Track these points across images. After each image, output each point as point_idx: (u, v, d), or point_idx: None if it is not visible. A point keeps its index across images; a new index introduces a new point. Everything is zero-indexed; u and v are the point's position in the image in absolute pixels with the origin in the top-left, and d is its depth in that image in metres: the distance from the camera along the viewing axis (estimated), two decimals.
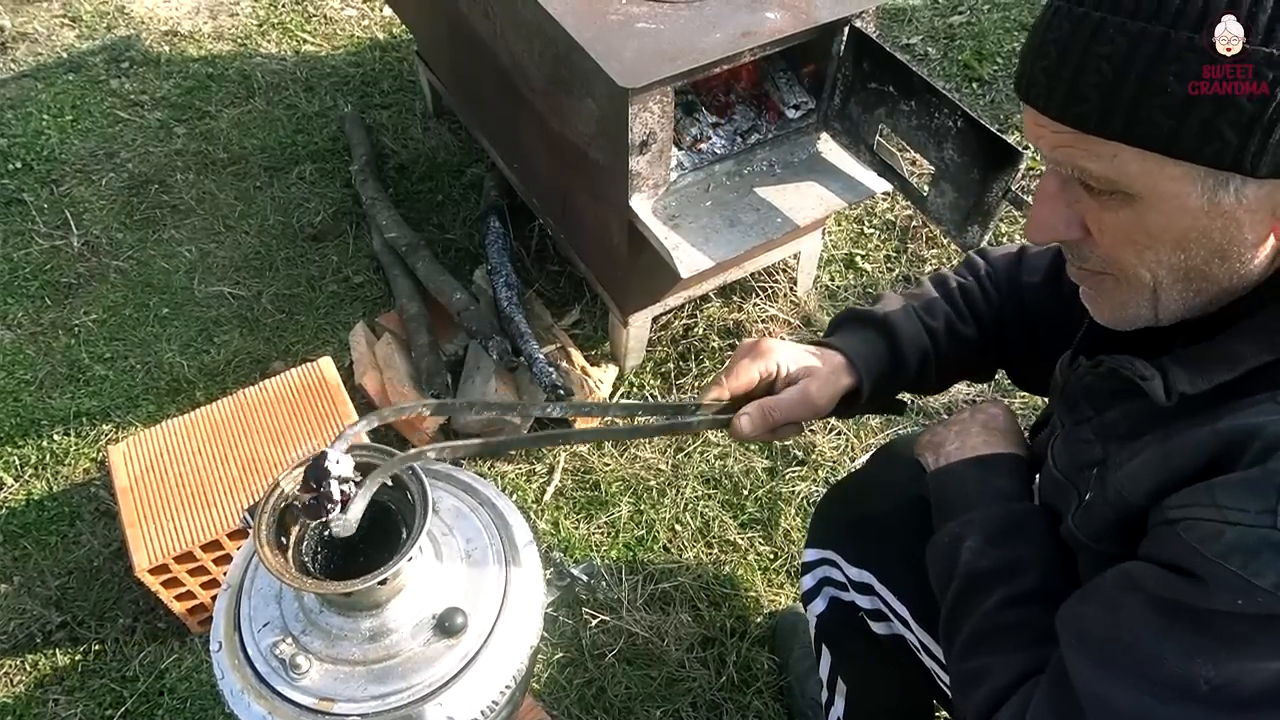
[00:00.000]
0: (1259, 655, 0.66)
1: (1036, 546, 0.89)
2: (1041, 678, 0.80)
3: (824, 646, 1.32)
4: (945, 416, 1.15)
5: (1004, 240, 2.41)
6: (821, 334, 1.14)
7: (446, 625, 0.91)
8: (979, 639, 0.88)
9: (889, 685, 1.25)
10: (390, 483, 0.92)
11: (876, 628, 1.17)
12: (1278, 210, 0.66)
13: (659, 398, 2.10)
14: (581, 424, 2.02)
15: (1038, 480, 0.99)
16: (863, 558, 1.15)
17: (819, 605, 1.26)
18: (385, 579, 0.84)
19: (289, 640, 0.91)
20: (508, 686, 0.93)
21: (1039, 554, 0.88)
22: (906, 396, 1.21)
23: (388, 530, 0.93)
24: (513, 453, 2.00)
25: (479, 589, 0.96)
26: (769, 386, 1.04)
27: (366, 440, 1.73)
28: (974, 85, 2.83)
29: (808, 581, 1.27)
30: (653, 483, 1.96)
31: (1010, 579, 0.88)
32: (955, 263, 1.20)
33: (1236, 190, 0.64)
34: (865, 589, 1.15)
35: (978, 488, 0.97)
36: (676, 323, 2.23)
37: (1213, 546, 0.65)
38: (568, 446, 2.01)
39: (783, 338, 1.25)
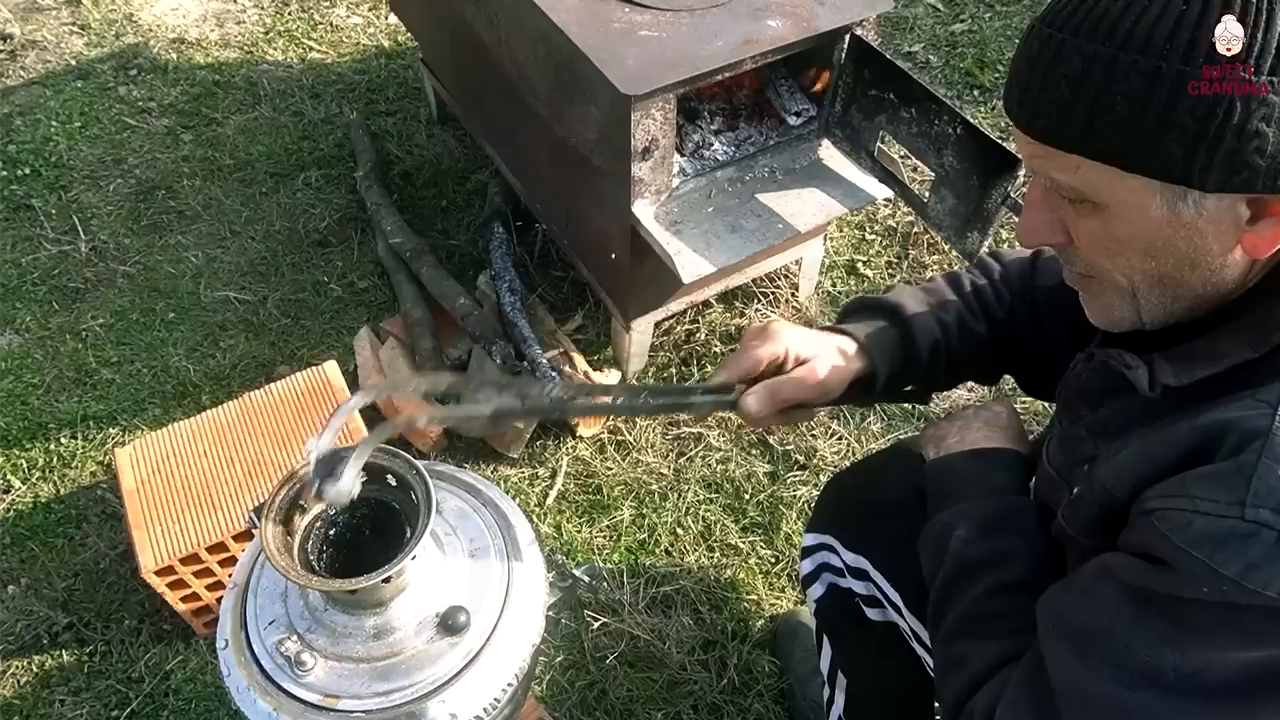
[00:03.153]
0: (1224, 645, 0.67)
1: (1025, 539, 0.90)
2: (1018, 664, 0.82)
3: (824, 637, 1.33)
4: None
5: (1004, 246, 2.42)
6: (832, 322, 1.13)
7: (449, 623, 0.92)
8: (962, 626, 0.90)
9: (887, 675, 1.26)
10: (394, 482, 0.94)
11: (871, 614, 1.18)
12: (1240, 223, 0.69)
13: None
14: (582, 423, 2.03)
15: (1035, 479, 1.00)
16: (859, 543, 1.17)
17: (817, 590, 1.28)
18: (389, 577, 0.85)
19: (294, 638, 0.92)
20: (509, 684, 0.94)
21: (1027, 547, 0.90)
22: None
23: (392, 529, 0.94)
24: (515, 456, 2.01)
25: (482, 588, 0.98)
26: (778, 370, 1.02)
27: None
28: (975, 93, 2.85)
29: (806, 566, 1.29)
30: (654, 487, 1.98)
31: (997, 569, 0.90)
32: (968, 265, 1.21)
33: (1195, 203, 0.68)
34: (861, 574, 1.17)
35: (973, 480, 0.99)
36: (679, 328, 2.24)
37: (1183, 535, 0.66)
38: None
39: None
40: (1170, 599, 0.69)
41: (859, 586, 1.18)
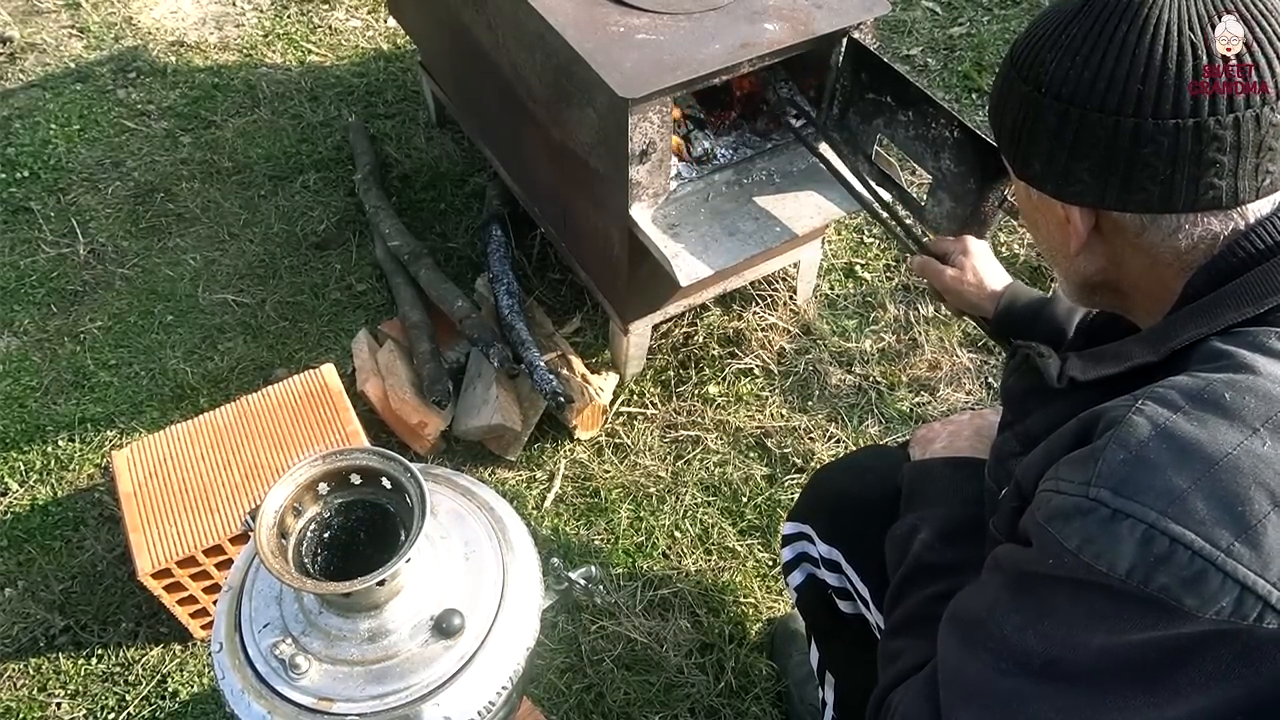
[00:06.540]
0: (1077, 625, 0.69)
1: (984, 552, 0.91)
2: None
3: (812, 635, 1.35)
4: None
5: (1001, 249, 2.42)
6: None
7: (444, 626, 0.92)
8: (905, 624, 0.93)
9: (870, 672, 1.27)
10: (389, 485, 0.93)
11: (843, 606, 1.21)
12: (1062, 220, 0.79)
13: (659, 406, 2.11)
14: (580, 426, 2.03)
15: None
16: (833, 535, 1.20)
17: (797, 578, 1.31)
18: (383, 580, 0.85)
19: (289, 641, 0.92)
20: (504, 687, 0.94)
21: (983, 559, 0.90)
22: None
23: (386, 532, 0.94)
24: (513, 459, 2.01)
25: (476, 591, 0.98)
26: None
27: (367, 444, 1.74)
28: (974, 96, 2.85)
29: (786, 554, 1.32)
30: (652, 490, 1.97)
31: (949, 577, 0.92)
32: None
33: (1028, 189, 0.82)
34: (833, 566, 1.20)
35: (947, 486, 1.01)
36: (677, 331, 2.24)
37: (1044, 512, 0.70)
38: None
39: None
40: (1034, 577, 0.72)
41: (831, 578, 1.21)
